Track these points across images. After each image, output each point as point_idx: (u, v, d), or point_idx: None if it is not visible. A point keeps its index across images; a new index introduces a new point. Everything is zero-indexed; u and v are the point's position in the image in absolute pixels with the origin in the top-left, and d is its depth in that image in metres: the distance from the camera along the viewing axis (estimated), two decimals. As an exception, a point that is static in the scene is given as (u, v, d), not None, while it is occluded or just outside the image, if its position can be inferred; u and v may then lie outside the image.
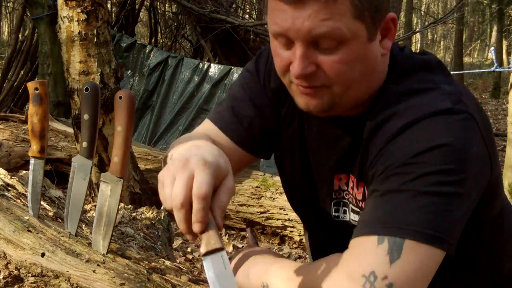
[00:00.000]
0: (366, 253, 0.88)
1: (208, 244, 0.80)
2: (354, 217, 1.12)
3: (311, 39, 0.94)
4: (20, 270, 1.13)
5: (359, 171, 1.08)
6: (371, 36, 0.97)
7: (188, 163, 0.82)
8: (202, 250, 0.81)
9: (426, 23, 17.82)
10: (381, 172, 0.94)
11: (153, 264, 1.28)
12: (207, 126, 1.21)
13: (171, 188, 0.83)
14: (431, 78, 1.03)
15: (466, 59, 19.91)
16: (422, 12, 23.36)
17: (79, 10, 3.33)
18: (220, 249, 0.81)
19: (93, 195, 3.60)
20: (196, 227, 0.80)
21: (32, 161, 1.27)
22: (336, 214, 1.17)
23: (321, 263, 1.01)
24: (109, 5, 8.51)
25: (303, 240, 3.72)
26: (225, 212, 0.85)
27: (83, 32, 3.35)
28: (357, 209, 1.11)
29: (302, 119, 1.17)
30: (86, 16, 3.34)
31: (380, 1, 0.96)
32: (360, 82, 1.00)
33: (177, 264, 1.43)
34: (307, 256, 3.56)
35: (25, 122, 4.77)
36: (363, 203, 1.08)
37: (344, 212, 1.15)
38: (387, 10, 0.99)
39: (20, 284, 1.11)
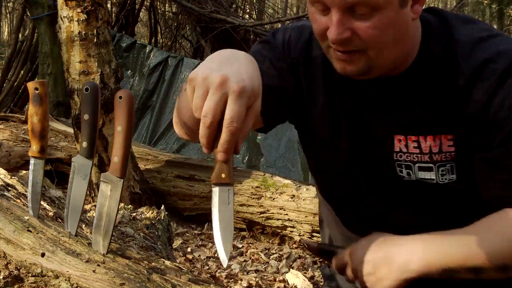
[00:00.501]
0: None
1: (218, 176, 0.85)
2: (424, 175, 1.15)
3: (346, 6, 1.00)
4: (20, 270, 1.13)
5: (430, 124, 1.11)
6: (402, 3, 1.02)
7: (225, 83, 0.81)
8: (212, 179, 0.86)
9: (426, 23, 17.81)
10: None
11: (153, 264, 1.28)
12: None
13: (202, 100, 0.82)
14: (483, 26, 1.13)
15: (466, 59, 19.87)
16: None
17: (79, 10, 3.33)
18: (229, 184, 0.85)
19: (93, 195, 3.60)
20: (220, 156, 0.83)
21: (32, 161, 1.27)
22: (401, 175, 1.18)
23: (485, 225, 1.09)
24: (109, 5, 8.51)
25: (303, 240, 3.72)
26: (247, 135, 0.86)
27: (83, 32, 3.35)
28: (430, 165, 1.14)
29: (333, 87, 1.19)
30: (86, 16, 3.34)
31: None
32: (393, 46, 1.05)
33: (177, 264, 1.43)
34: (307, 256, 3.57)
35: (25, 122, 4.76)
36: (441, 155, 1.12)
37: (409, 174, 1.17)
38: None
39: (20, 284, 1.11)
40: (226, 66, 0.84)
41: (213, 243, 3.75)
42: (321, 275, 3.29)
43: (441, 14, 1.16)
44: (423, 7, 1.15)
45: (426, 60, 1.12)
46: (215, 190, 0.86)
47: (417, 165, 1.15)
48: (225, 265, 0.86)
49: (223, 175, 0.84)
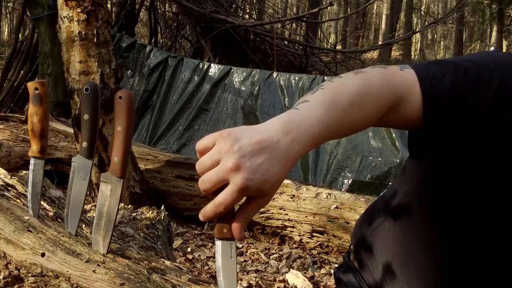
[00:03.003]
0: None
1: (220, 231, 0.86)
2: None
3: None
4: (20, 270, 1.13)
5: None
6: None
7: (235, 172, 0.79)
8: (215, 233, 0.87)
9: (426, 23, 17.81)
10: None
11: (153, 264, 1.28)
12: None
13: (211, 164, 0.81)
14: None
15: (466, 59, 19.84)
16: (422, 12, 23.36)
17: (79, 10, 3.33)
18: (231, 239, 0.87)
19: (93, 195, 3.60)
20: (200, 216, 0.84)
21: (32, 161, 1.27)
22: None
23: None
24: (109, 5, 8.51)
25: (303, 240, 3.72)
26: (248, 222, 0.86)
27: (83, 32, 3.35)
28: None
29: None
30: (86, 16, 3.34)
31: None
32: None
33: (177, 264, 1.43)
34: (307, 256, 3.57)
35: (25, 122, 4.77)
36: None
37: None
38: None
39: (20, 284, 1.11)
40: (255, 155, 0.79)
41: (213, 243, 3.75)
42: (321, 275, 3.29)
43: None
44: None
45: None
46: (218, 244, 0.88)
47: None
48: None
49: (224, 230, 0.86)
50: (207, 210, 0.83)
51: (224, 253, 0.87)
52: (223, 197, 0.81)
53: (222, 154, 0.80)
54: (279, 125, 0.83)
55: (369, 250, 1.34)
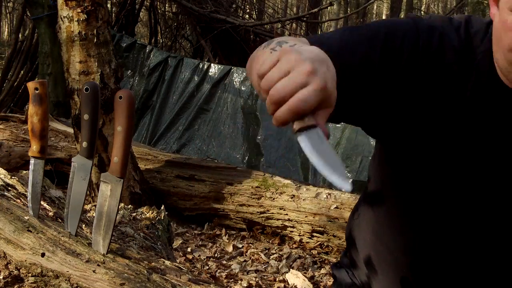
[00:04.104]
0: None
1: (301, 121, 0.75)
2: None
3: None
4: (20, 270, 1.13)
5: None
6: None
7: (313, 74, 0.75)
8: (296, 126, 0.76)
9: (426, 23, 17.80)
10: None
11: (153, 264, 1.28)
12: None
13: (279, 76, 0.77)
14: None
15: (466, 59, 19.88)
16: (422, 12, 23.38)
17: (79, 10, 3.33)
18: (314, 126, 0.75)
19: (93, 195, 3.60)
20: (274, 121, 0.77)
21: (32, 161, 1.27)
22: None
23: None
24: (109, 5, 8.52)
25: (303, 240, 3.72)
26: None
27: (83, 32, 3.35)
28: None
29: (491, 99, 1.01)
30: (86, 16, 3.34)
31: None
32: None
33: (177, 264, 1.43)
34: (307, 256, 3.57)
35: (25, 122, 4.76)
36: None
37: None
38: None
39: (20, 284, 1.11)
40: (321, 64, 0.78)
41: (213, 243, 3.75)
42: (321, 275, 3.29)
43: None
44: None
45: None
46: (302, 138, 0.75)
47: None
48: (348, 187, 0.74)
49: (306, 119, 0.75)
50: (291, 106, 0.74)
51: (313, 143, 0.74)
52: (306, 94, 0.74)
53: (293, 64, 0.77)
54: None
55: (354, 246, 1.35)
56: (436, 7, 28.09)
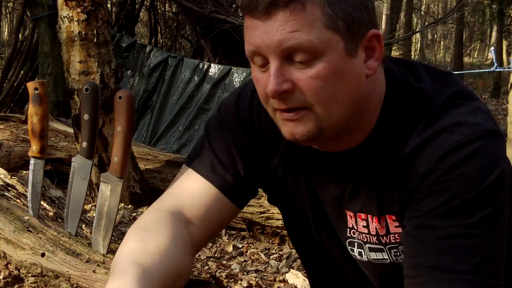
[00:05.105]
0: None
1: None
2: (376, 256, 1.06)
3: (283, 53, 0.89)
4: (20, 270, 1.13)
5: (378, 205, 1.01)
6: (350, 51, 0.90)
7: None
8: None
9: (426, 23, 17.81)
10: (441, 204, 0.89)
11: (153, 264, 1.28)
12: (190, 179, 1.13)
13: None
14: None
15: (466, 59, 19.91)
16: (422, 12, 23.36)
17: (79, 10, 3.33)
18: None
19: (93, 195, 3.60)
20: None
21: (32, 161, 1.27)
22: (352, 253, 1.11)
23: None
24: (109, 5, 8.51)
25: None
26: None
27: (83, 32, 3.35)
28: (380, 246, 1.04)
29: (305, 165, 1.10)
30: (86, 16, 3.34)
31: (358, 12, 0.90)
32: (343, 102, 0.92)
33: (177, 264, 1.42)
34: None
35: (25, 122, 4.77)
36: (389, 237, 1.02)
37: (360, 254, 1.08)
38: (368, 25, 0.92)
39: (20, 284, 1.11)
40: None
41: (212, 243, 3.75)
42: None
43: (413, 70, 1.02)
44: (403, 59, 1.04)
45: (384, 130, 0.98)
46: None
47: (367, 245, 1.06)
48: None
49: None
50: None
51: None
52: None
53: None
54: None
55: None
56: (436, 7, 28.07)
